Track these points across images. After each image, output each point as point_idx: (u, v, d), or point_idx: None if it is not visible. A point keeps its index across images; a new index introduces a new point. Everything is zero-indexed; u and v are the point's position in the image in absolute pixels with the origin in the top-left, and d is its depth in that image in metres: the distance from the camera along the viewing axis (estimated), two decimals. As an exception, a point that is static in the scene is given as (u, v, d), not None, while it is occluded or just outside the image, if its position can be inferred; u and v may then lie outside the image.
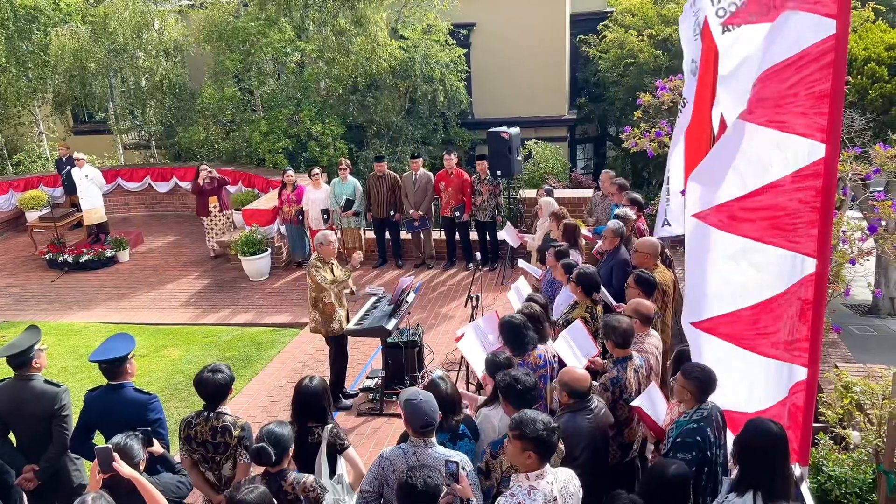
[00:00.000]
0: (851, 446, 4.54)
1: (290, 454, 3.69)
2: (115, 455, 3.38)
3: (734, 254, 3.68)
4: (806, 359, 3.46)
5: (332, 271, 6.62)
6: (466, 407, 4.54)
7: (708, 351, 3.94)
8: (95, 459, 3.39)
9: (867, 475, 4.25)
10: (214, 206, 11.73)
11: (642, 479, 4.19)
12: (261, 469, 3.65)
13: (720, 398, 3.92)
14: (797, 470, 3.59)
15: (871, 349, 11.74)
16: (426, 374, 6.96)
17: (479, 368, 5.06)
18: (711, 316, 3.85)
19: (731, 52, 4.03)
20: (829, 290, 5.31)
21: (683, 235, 5.83)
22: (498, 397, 4.08)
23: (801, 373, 3.49)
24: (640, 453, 4.77)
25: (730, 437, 3.71)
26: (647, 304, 5.03)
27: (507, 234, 9.17)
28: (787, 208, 3.41)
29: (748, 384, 3.83)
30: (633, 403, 4.28)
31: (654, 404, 4.30)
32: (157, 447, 3.94)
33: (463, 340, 5.29)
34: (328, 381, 6.74)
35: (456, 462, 3.50)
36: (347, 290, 6.93)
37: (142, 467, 3.60)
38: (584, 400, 4.09)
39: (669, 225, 6.04)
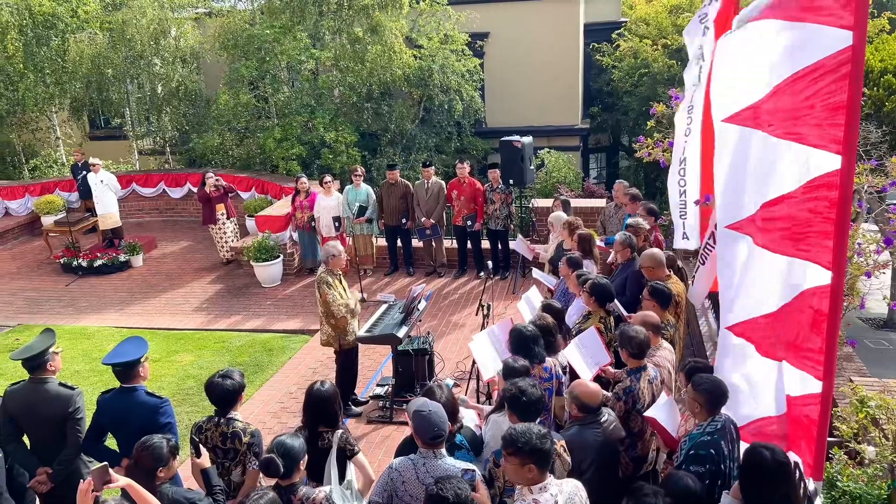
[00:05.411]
0: (866, 461, 4.48)
1: (302, 467, 3.61)
2: (111, 472, 3.37)
3: (756, 263, 3.70)
4: (821, 372, 3.42)
5: (341, 282, 6.61)
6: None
7: (733, 355, 3.96)
8: (88, 478, 3.35)
9: (882, 491, 4.19)
10: (222, 214, 11.80)
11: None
12: (272, 482, 3.57)
13: (741, 406, 3.90)
14: (811, 485, 3.55)
15: (886, 363, 11.62)
16: (437, 383, 6.94)
17: (486, 371, 5.05)
18: (740, 321, 3.88)
19: (728, 52, 4.02)
20: (845, 303, 5.26)
21: (698, 249, 5.82)
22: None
23: (816, 386, 3.45)
24: (652, 466, 4.73)
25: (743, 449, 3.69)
26: (654, 315, 5.01)
27: (518, 247, 9.15)
28: (797, 218, 3.40)
29: (761, 390, 3.82)
30: (647, 414, 4.25)
31: (668, 415, 4.26)
32: (204, 459, 3.90)
33: (475, 341, 5.28)
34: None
35: (474, 471, 3.49)
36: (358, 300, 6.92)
37: (163, 474, 3.55)
38: (594, 414, 4.06)
39: (688, 238, 5.99)
